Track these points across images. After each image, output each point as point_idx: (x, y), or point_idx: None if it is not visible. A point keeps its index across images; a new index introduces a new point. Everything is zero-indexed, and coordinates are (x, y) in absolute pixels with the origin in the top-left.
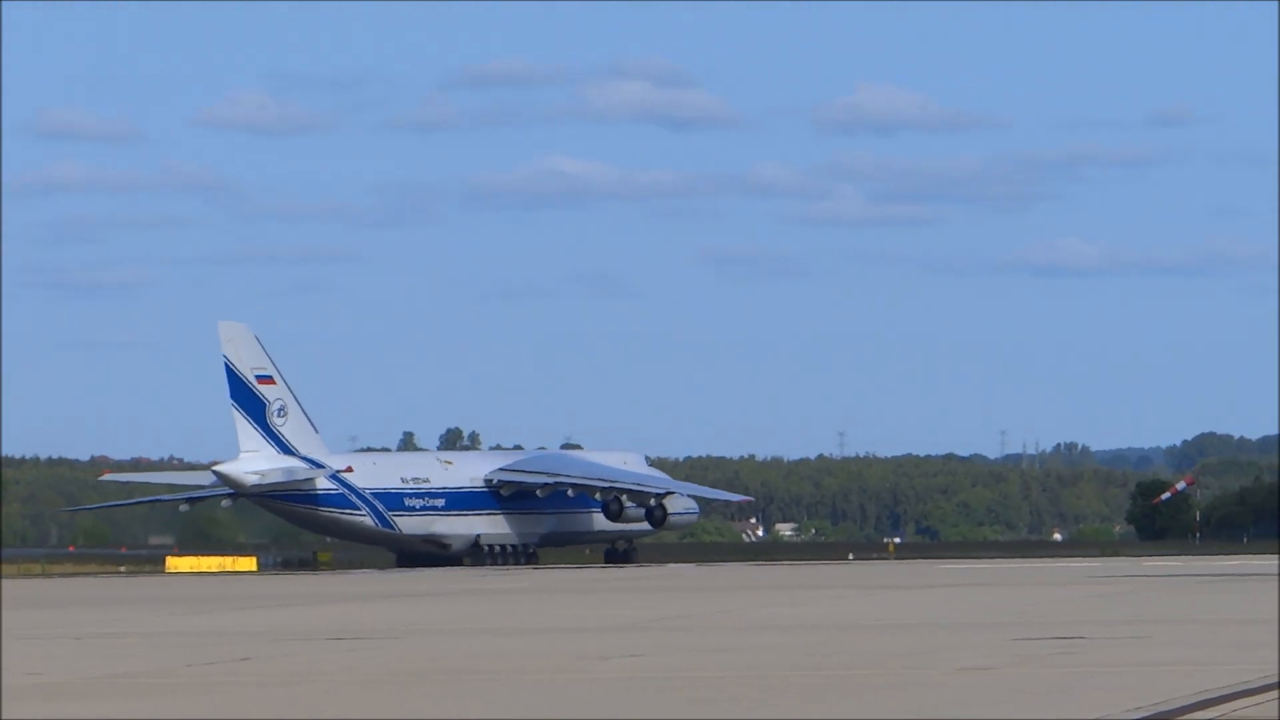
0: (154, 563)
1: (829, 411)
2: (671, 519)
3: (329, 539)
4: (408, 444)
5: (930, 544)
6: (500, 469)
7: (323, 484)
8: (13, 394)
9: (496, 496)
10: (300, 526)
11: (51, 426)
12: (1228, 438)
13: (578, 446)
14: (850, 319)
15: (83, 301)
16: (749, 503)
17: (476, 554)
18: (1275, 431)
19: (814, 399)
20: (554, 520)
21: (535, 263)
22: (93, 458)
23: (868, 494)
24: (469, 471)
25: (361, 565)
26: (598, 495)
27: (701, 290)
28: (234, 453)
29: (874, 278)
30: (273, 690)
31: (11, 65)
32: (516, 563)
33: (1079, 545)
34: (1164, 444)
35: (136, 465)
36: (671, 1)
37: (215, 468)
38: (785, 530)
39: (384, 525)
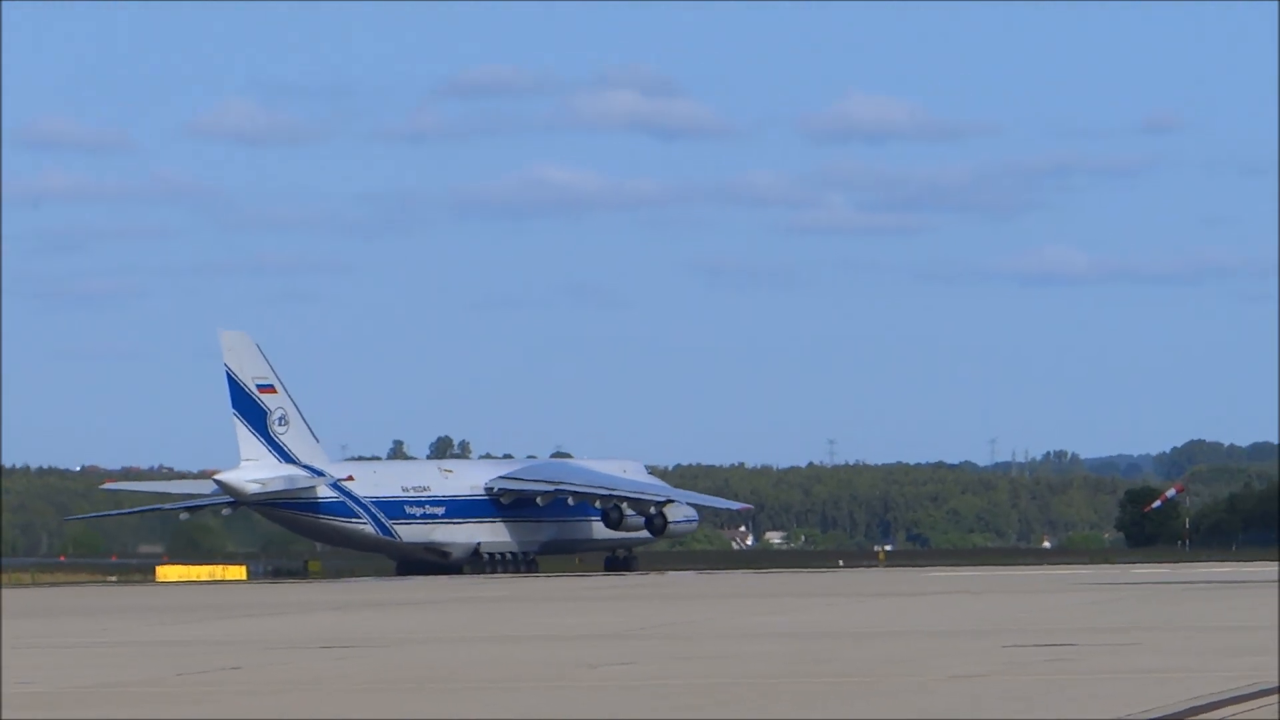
0: (144, 572)
1: (819, 419)
2: (671, 527)
3: (323, 547)
4: (397, 453)
5: (920, 551)
6: (500, 477)
7: (324, 492)
8: (2, 403)
9: (497, 505)
10: (301, 535)
11: (41, 436)
12: (1217, 445)
13: (568, 455)
14: (840, 327)
15: (70, 311)
16: (748, 510)
17: (476, 562)
18: (1265, 438)
19: (804, 407)
20: (554, 528)
21: (525, 272)
22: (83, 467)
23: (858, 502)
24: (469, 480)
25: (353, 573)
26: (598, 503)
27: (691, 299)
28: (227, 461)
29: (864, 286)
30: (263, 699)
31: (3, 75)
32: (516, 571)
33: (1069, 553)
34: (1153, 451)
35: (126, 474)
36: (661, 10)
37: (216, 476)
38: (775, 538)
39: (384, 533)
